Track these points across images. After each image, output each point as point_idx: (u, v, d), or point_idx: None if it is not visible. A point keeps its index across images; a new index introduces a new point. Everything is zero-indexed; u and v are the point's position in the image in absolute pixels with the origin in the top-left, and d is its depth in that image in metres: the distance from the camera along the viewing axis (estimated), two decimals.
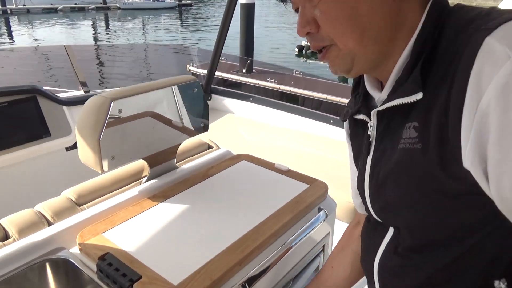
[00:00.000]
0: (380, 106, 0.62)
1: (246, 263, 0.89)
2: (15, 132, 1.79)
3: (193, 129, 1.27)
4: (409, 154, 0.56)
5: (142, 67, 10.85)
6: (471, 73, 0.45)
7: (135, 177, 1.23)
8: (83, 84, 2.29)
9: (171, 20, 29.54)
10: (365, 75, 0.69)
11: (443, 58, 0.52)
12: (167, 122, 1.18)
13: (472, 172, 0.47)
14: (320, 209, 1.10)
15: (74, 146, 2.09)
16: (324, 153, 2.09)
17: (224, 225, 0.98)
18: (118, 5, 33.74)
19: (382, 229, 0.70)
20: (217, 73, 10.82)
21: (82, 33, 22.73)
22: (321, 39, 0.61)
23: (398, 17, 0.57)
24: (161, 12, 32.75)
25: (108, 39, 20.70)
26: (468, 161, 0.47)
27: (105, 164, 1.03)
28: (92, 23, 27.38)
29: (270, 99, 2.62)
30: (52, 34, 21.64)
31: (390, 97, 0.60)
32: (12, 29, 24.10)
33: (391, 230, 0.68)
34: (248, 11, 11.57)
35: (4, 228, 0.97)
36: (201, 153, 1.42)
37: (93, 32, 23.73)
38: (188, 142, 1.37)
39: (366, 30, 0.57)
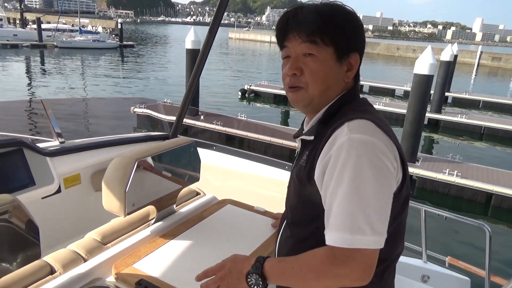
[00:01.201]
0: (301, 136, 1.06)
1: None
2: (3, 182, 1.90)
3: (187, 179, 1.57)
4: (299, 169, 1.00)
5: (99, 117, 11.15)
6: (331, 137, 0.91)
7: (143, 220, 1.49)
8: (59, 135, 2.45)
9: (112, 61, 29.26)
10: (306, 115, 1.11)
11: (332, 124, 0.95)
12: (170, 175, 1.48)
13: (317, 182, 0.92)
14: None
15: (52, 194, 2.23)
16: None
17: (227, 254, 1.27)
18: (55, 43, 32.75)
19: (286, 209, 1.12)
20: (165, 116, 11.00)
21: (14, 71, 21.70)
22: (299, 82, 0.99)
23: (343, 89, 1.01)
24: (101, 53, 32.31)
25: (44, 79, 19.95)
26: (316, 175, 0.93)
27: (127, 210, 1.29)
28: (26, 61, 26.23)
29: (232, 148, 2.95)
30: None
31: (305, 132, 1.04)
32: None
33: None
34: (193, 56, 12.07)
35: (50, 265, 1.18)
36: (192, 199, 1.72)
37: (26, 71, 22.74)
38: (182, 190, 1.66)
39: (328, 88, 0.99)
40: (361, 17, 1.08)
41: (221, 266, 1.01)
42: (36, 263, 1.16)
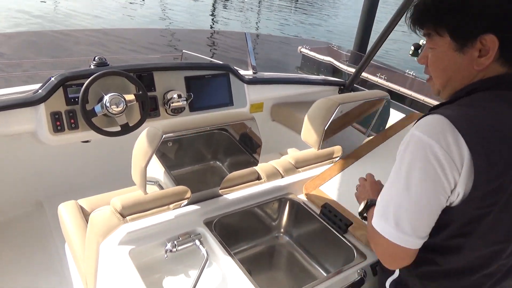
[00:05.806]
0: None
1: None
2: (212, 98, 2.30)
3: (373, 130, 1.74)
4: None
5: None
6: None
7: (329, 156, 1.69)
8: (253, 67, 2.75)
9: None
10: None
11: None
12: (360, 122, 1.65)
13: None
14: None
15: None
16: None
17: None
18: None
19: None
20: (329, 59, 10.92)
21: None
22: (428, 71, 0.98)
23: (479, 77, 0.88)
24: None
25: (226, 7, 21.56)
26: None
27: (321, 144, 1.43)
28: None
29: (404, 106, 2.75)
30: None
31: None
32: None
33: None
34: (372, 5, 11.33)
35: (258, 172, 1.47)
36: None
37: None
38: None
39: (451, 80, 0.92)
40: None
41: (362, 184, 1.18)
42: (250, 169, 1.40)
